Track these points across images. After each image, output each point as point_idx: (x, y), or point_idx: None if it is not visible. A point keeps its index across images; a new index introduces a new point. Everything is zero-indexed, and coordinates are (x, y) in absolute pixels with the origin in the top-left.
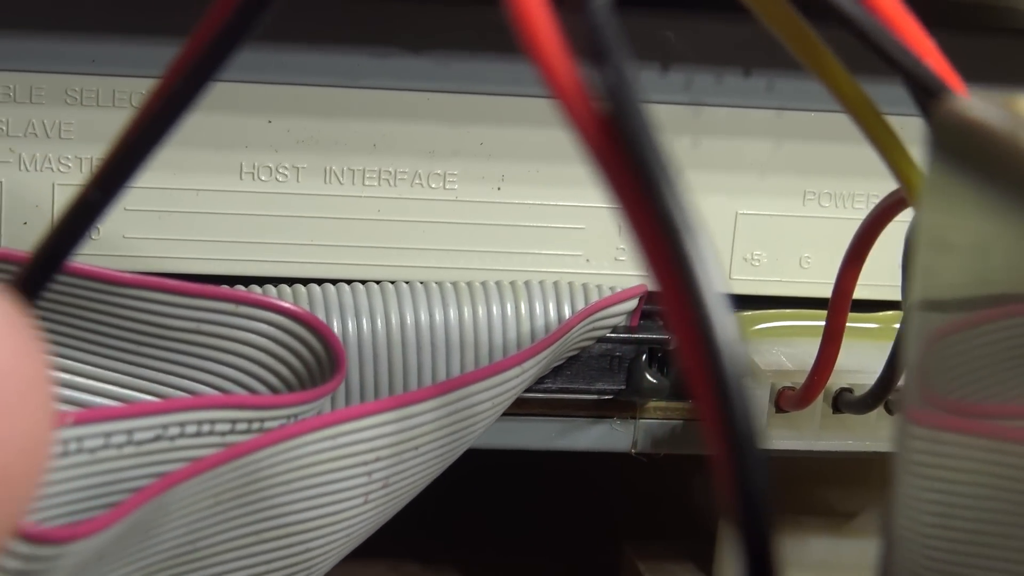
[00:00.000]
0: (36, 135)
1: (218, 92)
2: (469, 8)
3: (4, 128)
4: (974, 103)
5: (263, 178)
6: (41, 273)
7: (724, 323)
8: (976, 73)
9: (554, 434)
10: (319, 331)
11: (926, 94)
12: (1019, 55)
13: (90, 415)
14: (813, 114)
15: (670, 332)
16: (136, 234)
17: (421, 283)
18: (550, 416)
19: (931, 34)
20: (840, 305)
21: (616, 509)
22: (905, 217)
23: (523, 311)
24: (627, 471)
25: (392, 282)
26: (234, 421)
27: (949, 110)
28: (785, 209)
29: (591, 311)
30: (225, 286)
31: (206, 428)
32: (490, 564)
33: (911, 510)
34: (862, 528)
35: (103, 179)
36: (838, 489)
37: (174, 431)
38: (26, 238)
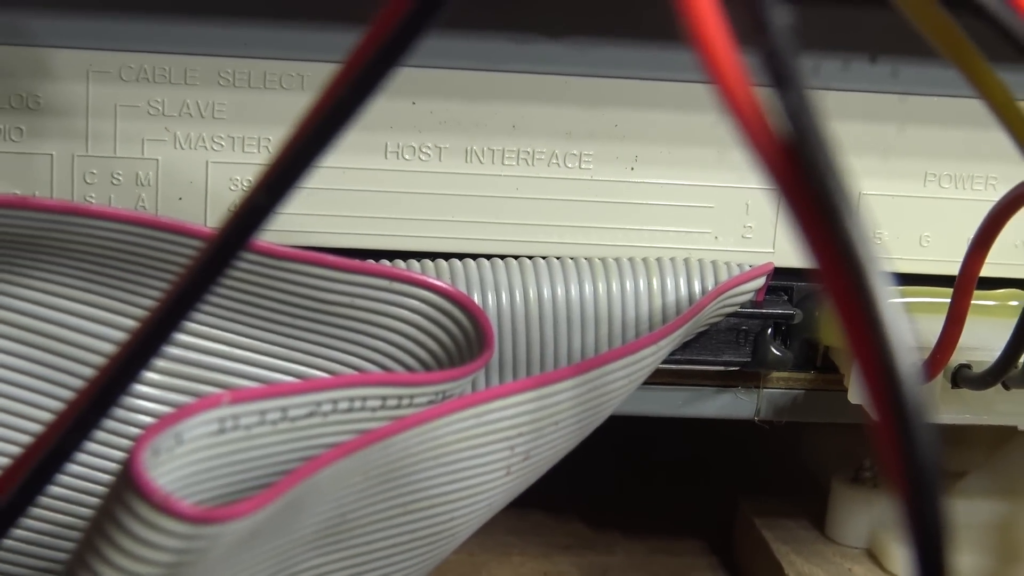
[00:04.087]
0: (190, 115)
1: None
2: None
3: (160, 108)
4: None
5: (407, 157)
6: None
7: (900, 338)
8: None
9: (681, 402)
10: (470, 309)
11: None
12: None
13: (246, 394)
14: (935, 99)
15: (846, 338)
16: (286, 210)
17: (558, 259)
18: (678, 385)
19: None
20: (965, 288)
21: (733, 469)
22: None
23: (655, 287)
24: (744, 436)
25: (530, 257)
26: (384, 397)
27: None
28: (906, 190)
29: (722, 290)
30: (382, 262)
31: (357, 404)
32: (612, 516)
33: None
34: (969, 487)
35: (271, 184)
36: (948, 449)
37: (327, 407)
38: (182, 212)
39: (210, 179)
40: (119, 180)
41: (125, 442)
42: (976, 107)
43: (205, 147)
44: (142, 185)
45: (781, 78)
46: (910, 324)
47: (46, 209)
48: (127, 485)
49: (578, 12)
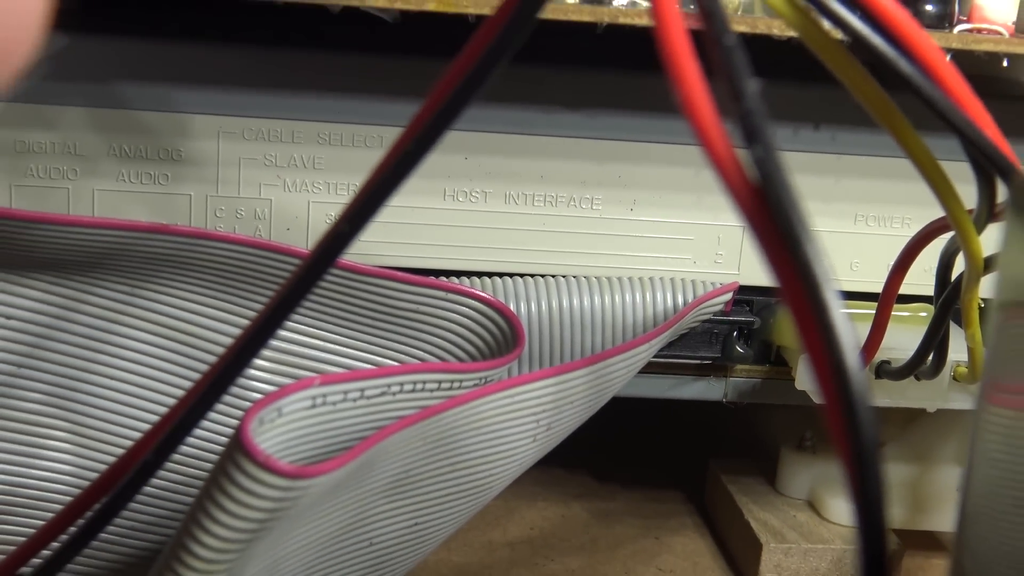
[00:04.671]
0: (296, 166)
1: None
2: (614, 78)
3: (273, 161)
4: None
5: (460, 199)
6: (304, 287)
7: (847, 343)
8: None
9: (667, 387)
10: (506, 315)
11: (999, 171)
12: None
13: (332, 378)
14: (864, 158)
15: (801, 339)
16: (367, 238)
17: (574, 277)
18: (665, 374)
19: None
20: (887, 303)
21: (706, 438)
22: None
23: (648, 299)
24: (717, 413)
25: (553, 276)
26: (439, 381)
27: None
28: (841, 227)
29: (699, 302)
30: (440, 278)
31: (419, 386)
32: (613, 472)
33: (987, 487)
34: (887, 455)
35: (352, 217)
36: None
37: (395, 388)
38: (289, 239)
39: (311, 215)
40: (241, 215)
41: (239, 413)
42: (895, 165)
43: (308, 190)
44: (259, 219)
45: (752, 133)
46: (854, 328)
47: (183, 234)
48: (237, 448)
49: (591, 89)
